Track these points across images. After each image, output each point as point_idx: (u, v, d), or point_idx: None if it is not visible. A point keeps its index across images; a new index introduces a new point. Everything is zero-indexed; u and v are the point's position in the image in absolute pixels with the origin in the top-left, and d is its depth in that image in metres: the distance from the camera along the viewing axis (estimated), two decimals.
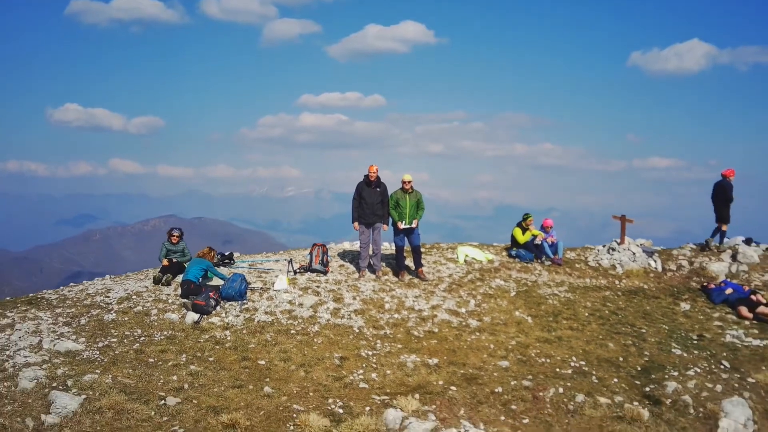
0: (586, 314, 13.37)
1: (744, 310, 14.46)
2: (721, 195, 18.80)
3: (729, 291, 15.28)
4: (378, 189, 14.50)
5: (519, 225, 17.78)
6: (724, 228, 19.10)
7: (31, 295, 13.24)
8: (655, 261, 17.71)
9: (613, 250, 17.79)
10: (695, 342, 12.55)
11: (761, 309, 14.41)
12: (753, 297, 14.88)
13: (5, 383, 8.99)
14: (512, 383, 10.00)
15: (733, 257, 18.12)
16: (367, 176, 14.51)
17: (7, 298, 13.35)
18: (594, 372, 10.72)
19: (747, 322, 14.03)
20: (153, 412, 8.53)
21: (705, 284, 16.13)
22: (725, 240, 19.23)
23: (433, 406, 9.02)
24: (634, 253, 17.48)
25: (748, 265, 17.69)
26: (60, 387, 8.84)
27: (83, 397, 8.65)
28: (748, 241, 19.80)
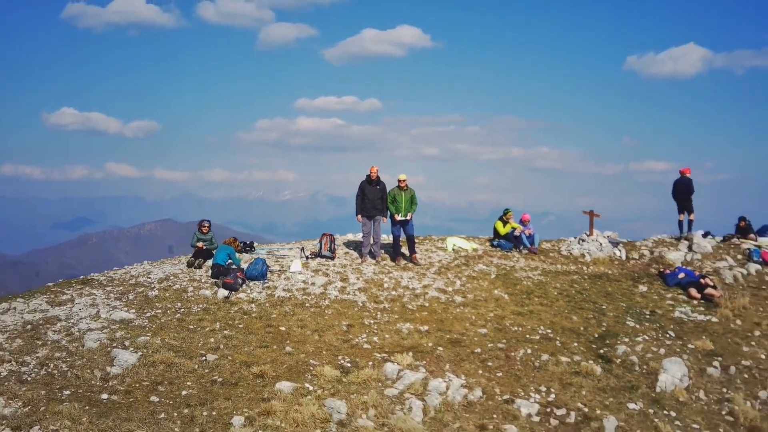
0: (555, 293, 14.73)
1: (693, 291, 15.82)
2: (687, 190, 20.32)
3: (681, 275, 16.63)
4: (378, 187, 15.85)
5: (500, 219, 19.11)
6: (692, 218, 20.59)
7: (82, 277, 14.58)
8: (619, 251, 19.07)
9: (583, 241, 19.16)
10: (648, 316, 13.92)
11: (708, 290, 15.78)
12: (702, 281, 16.23)
13: (74, 344, 10.35)
14: (489, 345, 11.38)
15: (689, 247, 19.49)
16: (368, 176, 15.87)
17: (61, 280, 14.68)
18: (558, 338, 12.10)
19: (695, 302, 15.39)
20: (196, 366, 9.89)
21: (662, 270, 17.48)
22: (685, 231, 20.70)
23: (424, 362, 10.40)
24: (601, 244, 18.84)
25: (701, 254, 19.05)
26: (119, 346, 10.19)
27: (139, 353, 10.00)
28: (705, 234, 21.21)
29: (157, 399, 9.02)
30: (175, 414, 8.72)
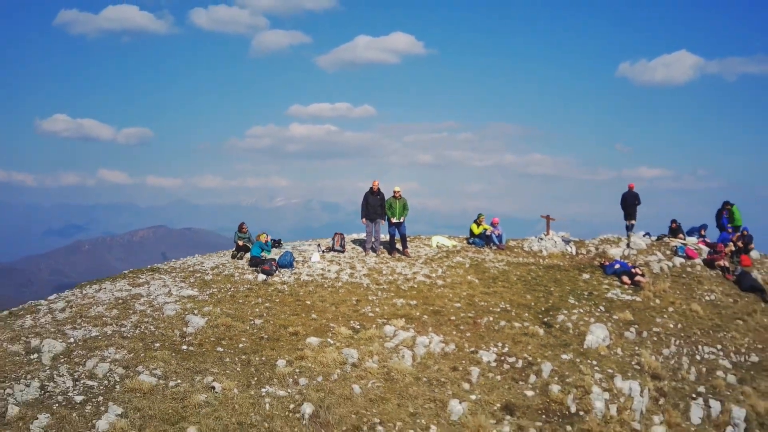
0: (515, 279, 17.17)
1: (625, 278, 18.26)
2: (634, 201, 23.19)
3: (617, 266, 19.06)
4: (378, 196, 18.27)
5: (474, 222, 21.52)
6: (634, 222, 23.24)
7: (150, 266, 16.96)
8: (570, 247, 21.53)
9: (541, 239, 21.61)
10: (586, 296, 16.37)
11: (638, 278, 18.22)
12: (633, 270, 18.67)
13: (156, 312, 12.78)
14: (461, 315, 13.85)
15: (627, 245, 21.94)
16: (371, 188, 18.30)
17: (132, 269, 17.05)
18: (514, 310, 14.56)
19: (626, 286, 17.81)
20: (247, 327, 12.32)
21: (602, 262, 19.90)
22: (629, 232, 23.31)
23: (413, 325, 12.86)
24: (555, 242, 21.30)
25: (637, 250, 21.48)
26: (191, 313, 12.63)
27: (206, 318, 12.43)
28: (645, 235, 23.71)
29: (222, 349, 11.46)
30: (236, 359, 11.17)
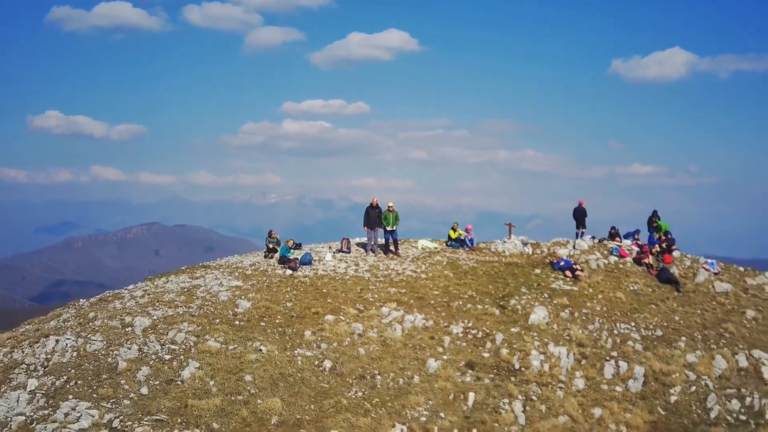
0: (481, 273, 19.85)
1: (568, 273, 20.91)
2: (583, 214, 25.96)
3: (562, 263, 21.70)
4: (377, 210, 20.91)
5: (451, 228, 24.16)
6: (584, 230, 25.91)
7: (201, 263, 19.58)
8: (527, 248, 24.22)
9: (505, 242, 24.31)
10: (534, 286, 19.04)
11: (578, 272, 20.87)
12: (575, 266, 21.32)
13: (213, 298, 15.43)
14: (439, 300, 16.58)
15: (573, 246, 24.59)
16: (371, 203, 20.91)
17: (185, 266, 19.64)
18: (478, 297, 17.27)
19: (568, 279, 20.41)
20: (281, 308, 15.00)
21: (551, 260, 22.55)
22: (581, 236, 25.97)
23: (402, 307, 15.58)
24: (515, 244, 24.01)
25: (580, 251, 24.11)
26: (239, 299, 15.26)
27: (250, 302, 15.07)
28: (592, 238, 26.37)
29: (264, 324, 14.15)
30: (275, 330, 13.86)
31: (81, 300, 16.75)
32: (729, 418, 14.18)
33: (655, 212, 26.80)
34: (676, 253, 25.25)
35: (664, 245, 24.97)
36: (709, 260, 23.63)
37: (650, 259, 23.38)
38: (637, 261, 23.34)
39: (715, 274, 22.40)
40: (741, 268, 23.81)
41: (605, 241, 25.84)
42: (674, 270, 23.01)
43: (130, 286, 17.30)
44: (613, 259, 23.16)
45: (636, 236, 26.38)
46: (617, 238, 26.29)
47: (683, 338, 16.90)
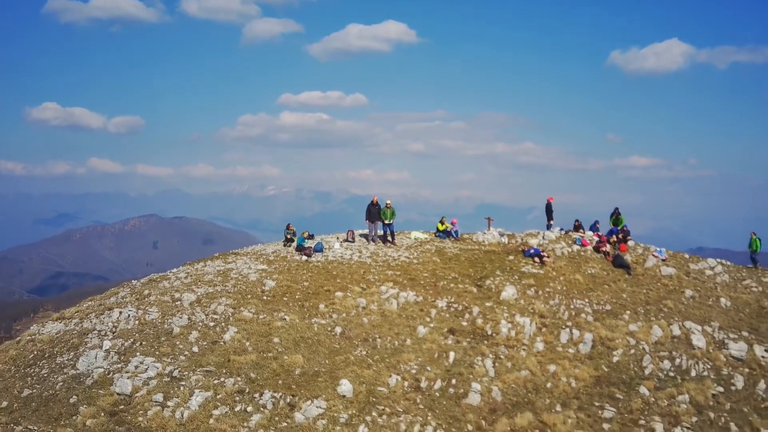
0: (463, 259, 21.77)
1: (536, 259, 22.80)
2: (550, 210, 27.74)
3: (532, 251, 23.59)
4: (377, 207, 22.76)
5: (439, 221, 26.04)
6: (552, 223, 27.76)
7: (231, 251, 21.44)
8: (504, 239, 26.11)
9: (484, 233, 26.21)
10: (508, 270, 20.95)
11: (545, 259, 22.77)
12: (542, 253, 23.22)
13: (244, 278, 17.34)
14: (427, 280, 18.49)
15: (543, 237, 26.48)
16: (372, 201, 22.75)
17: (218, 253, 21.50)
18: (460, 278, 19.20)
19: (536, 264, 22.30)
20: (300, 287, 16.90)
21: (523, 249, 24.44)
22: (551, 228, 27.84)
23: (397, 286, 17.49)
24: (494, 235, 25.93)
25: (548, 240, 26.00)
26: (266, 279, 17.16)
27: (275, 281, 17.00)
28: (561, 230, 28.23)
29: (287, 299, 16.07)
30: (296, 304, 15.78)
31: (133, 281, 18.68)
32: (660, 374, 16.15)
33: (617, 209, 28.66)
34: (630, 243, 27.16)
35: (621, 236, 26.93)
36: (659, 249, 25.54)
37: (607, 248, 25.28)
38: (596, 249, 25.23)
39: (663, 260, 24.30)
40: (687, 255, 25.75)
41: (570, 233, 27.74)
42: (628, 257, 24.91)
43: (174, 270, 19.19)
44: (575, 247, 25.03)
45: (597, 226, 28.32)
46: (581, 230, 28.19)
47: (628, 312, 18.85)
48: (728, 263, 24.71)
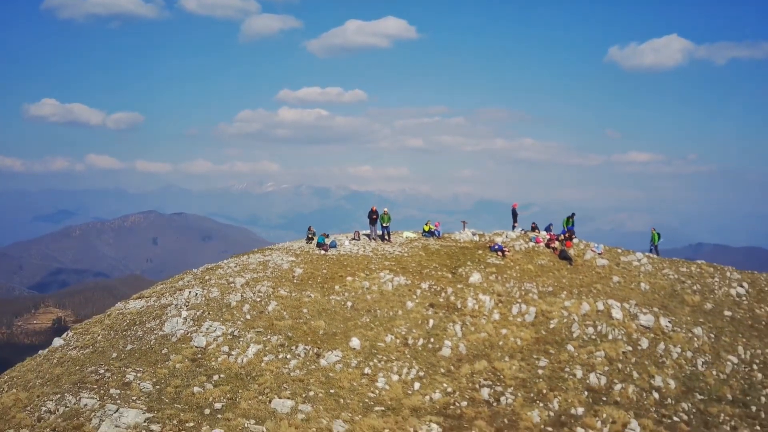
0: (443, 253, 24.66)
1: (499, 253, 25.62)
2: (515, 213, 30.41)
3: (496, 247, 26.41)
4: (376, 213, 25.56)
5: (425, 224, 28.89)
6: (516, 224, 30.46)
7: (267, 247, 24.26)
8: (476, 237, 28.95)
9: (460, 233, 29.07)
10: (477, 261, 23.75)
11: (506, 252, 25.60)
12: (504, 249, 26.05)
13: (278, 268, 20.18)
14: (415, 268, 21.40)
15: (506, 236, 29.31)
16: (372, 209, 25.58)
17: (257, 248, 24.32)
18: (439, 267, 22.12)
19: (499, 256, 25.11)
20: (320, 273, 19.79)
21: (489, 245, 27.25)
22: (516, 229, 30.58)
23: (392, 273, 20.36)
24: (468, 234, 28.79)
25: (510, 238, 28.80)
26: (296, 268, 20.01)
27: (302, 269, 19.89)
28: (522, 230, 31.00)
29: (311, 282, 18.96)
30: (317, 285, 18.69)
31: (194, 269, 21.50)
32: (584, 337, 19.05)
33: (573, 214, 31.24)
34: (575, 240, 29.95)
35: (567, 235, 29.75)
36: (597, 245, 28.31)
37: (556, 244, 28.08)
38: (547, 245, 28.03)
39: (599, 254, 27.09)
40: (619, 250, 28.48)
41: (528, 232, 30.53)
42: (571, 251, 27.67)
43: (226, 260, 22.04)
44: (531, 244, 27.81)
45: (551, 228, 31.06)
46: (536, 230, 30.96)
47: (565, 292, 21.74)
48: (654, 256, 27.36)
